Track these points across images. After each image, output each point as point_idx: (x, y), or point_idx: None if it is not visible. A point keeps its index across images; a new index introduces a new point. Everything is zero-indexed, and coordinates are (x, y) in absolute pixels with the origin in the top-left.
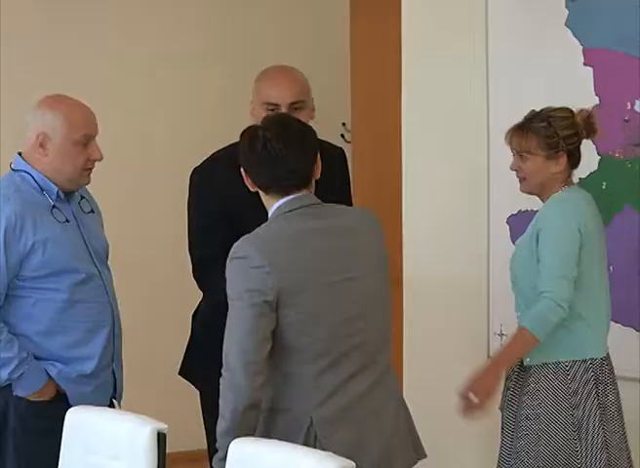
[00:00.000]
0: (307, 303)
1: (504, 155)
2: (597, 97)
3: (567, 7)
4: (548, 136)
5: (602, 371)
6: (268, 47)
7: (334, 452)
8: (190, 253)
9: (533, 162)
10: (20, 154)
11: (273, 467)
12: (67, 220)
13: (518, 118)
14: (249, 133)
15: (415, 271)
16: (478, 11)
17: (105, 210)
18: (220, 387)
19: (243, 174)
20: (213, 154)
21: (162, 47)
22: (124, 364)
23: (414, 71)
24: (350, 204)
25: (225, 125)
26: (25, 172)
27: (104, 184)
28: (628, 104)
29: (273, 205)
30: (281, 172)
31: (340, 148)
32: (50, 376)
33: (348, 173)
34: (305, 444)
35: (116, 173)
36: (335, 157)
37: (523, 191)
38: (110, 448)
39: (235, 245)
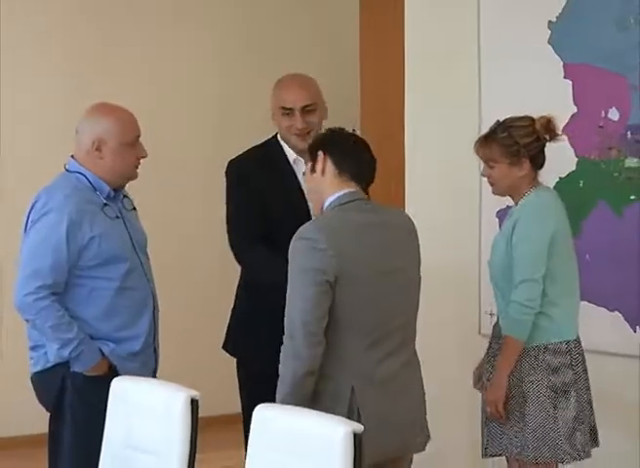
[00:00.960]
0: (360, 288)
1: None
2: (575, 107)
3: (549, 27)
4: (509, 145)
5: (575, 350)
6: (284, 56)
7: (369, 419)
8: (229, 239)
9: (498, 169)
10: (72, 157)
11: (290, 429)
12: (117, 217)
13: None
14: (340, 133)
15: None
16: (471, 31)
17: (143, 202)
18: (282, 355)
19: (321, 157)
20: (248, 150)
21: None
22: (163, 341)
23: (415, 81)
24: None
25: (248, 127)
26: (80, 173)
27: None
28: (603, 113)
29: (333, 194)
30: (364, 164)
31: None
32: (103, 354)
33: None
34: (346, 410)
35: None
36: None
37: (495, 194)
38: (149, 413)
39: (303, 227)
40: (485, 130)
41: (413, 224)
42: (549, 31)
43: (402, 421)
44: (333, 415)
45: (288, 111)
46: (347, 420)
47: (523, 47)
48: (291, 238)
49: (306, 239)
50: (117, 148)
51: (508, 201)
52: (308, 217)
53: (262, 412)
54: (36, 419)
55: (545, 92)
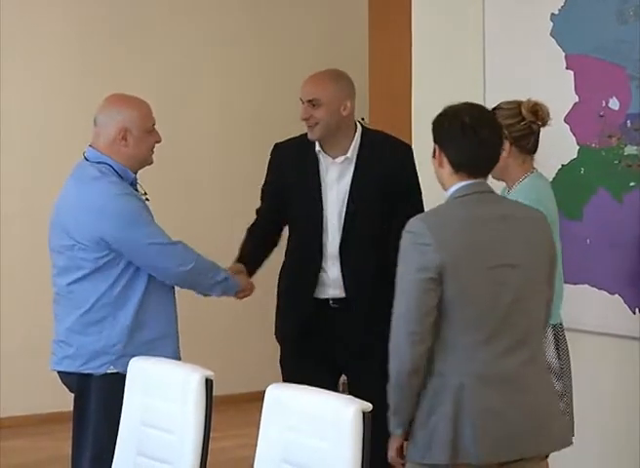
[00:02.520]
0: (465, 283)
1: None
2: (577, 96)
3: (552, 19)
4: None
5: (560, 333)
6: (291, 49)
7: (478, 418)
8: None
9: None
10: (91, 146)
11: (302, 406)
12: (146, 199)
13: None
14: (452, 115)
15: None
16: (476, 24)
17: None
18: (389, 350)
19: (437, 150)
20: (295, 137)
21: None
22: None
23: (422, 73)
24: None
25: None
26: (104, 163)
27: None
28: (603, 102)
29: (452, 186)
30: (480, 155)
31: (407, 146)
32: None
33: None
34: (453, 407)
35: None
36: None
37: (494, 178)
38: (166, 391)
39: (411, 220)
40: None
41: (543, 218)
42: (552, 23)
43: (518, 423)
44: (342, 395)
45: (301, 101)
46: (356, 399)
47: (526, 39)
48: (299, 230)
49: (410, 233)
50: (140, 136)
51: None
52: (318, 214)
53: (274, 392)
54: (52, 398)
55: (548, 82)
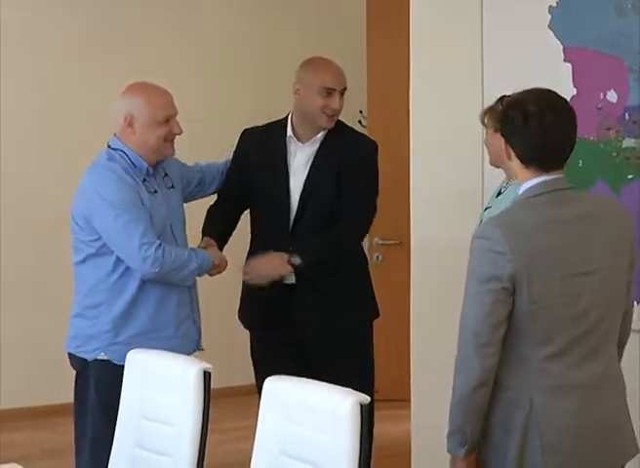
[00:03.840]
0: (539, 293)
1: None
2: (575, 89)
3: (550, 12)
4: (497, 112)
5: None
6: (296, 44)
7: (550, 435)
8: None
9: (487, 136)
10: (115, 135)
11: (300, 399)
12: (155, 191)
13: None
14: (515, 103)
15: (422, 233)
16: (475, 17)
17: None
18: (455, 363)
19: (503, 144)
20: (263, 125)
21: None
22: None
23: (420, 67)
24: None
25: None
26: (121, 150)
27: None
28: (601, 95)
29: (524, 184)
30: (551, 147)
31: (372, 143)
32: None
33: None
34: (522, 423)
35: None
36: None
37: (490, 165)
38: (164, 384)
39: (484, 223)
40: None
41: (626, 216)
42: (550, 16)
43: (589, 438)
44: (340, 387)
45: (329, 91)
46: (354, 391)
47: (524, 31)
48: (262, 214)
49: (483, 238)
50: (147, 124)
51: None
52: (286, 196)
53: (272, 384)
54: (52, 390)
55: (546, 74)
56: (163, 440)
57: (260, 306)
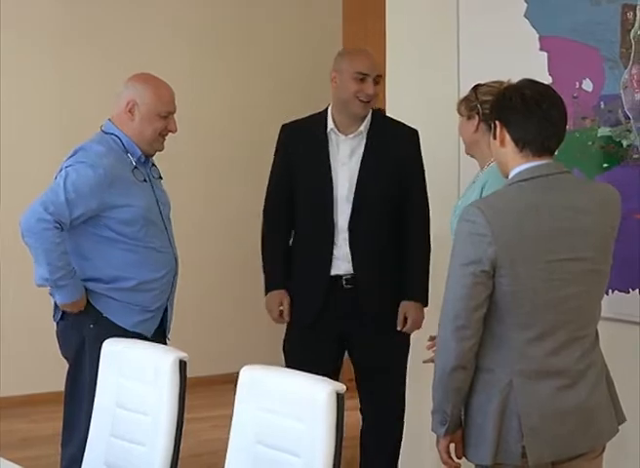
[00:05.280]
0: (522, 277)
1: None
2: (551, 78)
3: (526, 1)
4: (470, 99)
5: None
6: (271, 39)
7: (528, 418)
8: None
9: (460, 122)
10: (109, 120)
11: (276, 388)
12: (145, 180)
13: None
14: (513, 89)
15: None
16: (451, 5)
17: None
18: (436, 344)
19: (498, 128)
20: (303, 118)
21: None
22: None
23: (396, 54)
24: (422, 186)
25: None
26: (115, 135)
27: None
28: (577, 84)
29: (516, 168)
30: (549, 130)
31: (415, 130)
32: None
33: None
34: (500, 405)
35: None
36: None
37: (466, 153)
38: (139, 373)
39: (468, 206)
40: None
41: (610, 204)
42: (525, 5)
43: (569, 420)
44: (316, 376)
45: (362, 77)
46: (331, 380)
47: (500, 20)
48: (308, 207)
49: (467, 221)
50: (147, 114)
51: None
52: (329, 188)
53: (248, 374)
54: (50, 377)
55: (522, 63)
56: (139, 429)
57: (314, 300)
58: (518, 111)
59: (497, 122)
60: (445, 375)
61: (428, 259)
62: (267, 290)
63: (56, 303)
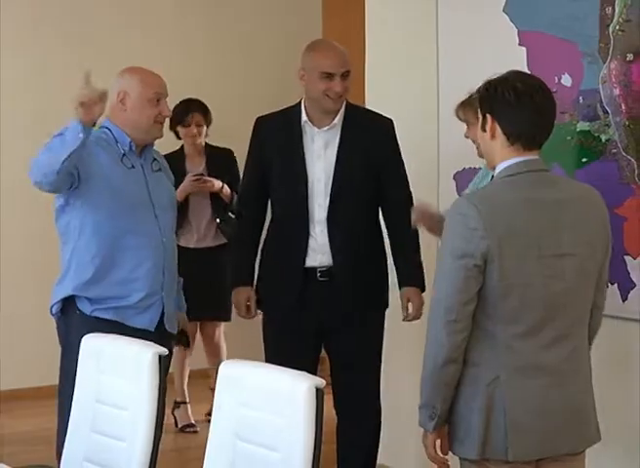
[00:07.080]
0: (511, 271)
1: (451, 124)
2: (530, 72)
3: None
4: (473, 103)
5: None
6: (250, 29)
7: (514, 413)
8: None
9: (473, 130)
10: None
11: (256, 383)
12: (133, 166)
13: (463, 90)
14: (503, 81)
15: None
16: (429, 1)
17: None
18: (426, 338)
19: (489, 120)
20: (276, 112)
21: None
22: None
23: (376, 50)
24: (401, 174)
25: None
26: (106, 127)
27: None
28: (556, 78)
29: (503, 162)
30: (537, 123)
31: (390, 119)
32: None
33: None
34: (486, 400)
35: None
36: (383, 127)
37: (479, 156)
38: (119, 368)
39: (459, 200)
40: (443, 96)
41: (601, 201)
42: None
43: (554, 418)
44: (296, 370)
45: (328, 75)
46: (310, 375)
47: (479, 15)
48: (283, 199)
49: (459, 215)
50: (138, 102)
51: (466, 163)
52: (304, 183)
53: (228, 368)
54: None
55: (501, 58)
56: (118, 424)
57: (289, 290)
58: (511, 104)
59: (487, 115)
60: (437, 369)
61: (419, 245)
62: (234, 285)
63: (52, 297)
